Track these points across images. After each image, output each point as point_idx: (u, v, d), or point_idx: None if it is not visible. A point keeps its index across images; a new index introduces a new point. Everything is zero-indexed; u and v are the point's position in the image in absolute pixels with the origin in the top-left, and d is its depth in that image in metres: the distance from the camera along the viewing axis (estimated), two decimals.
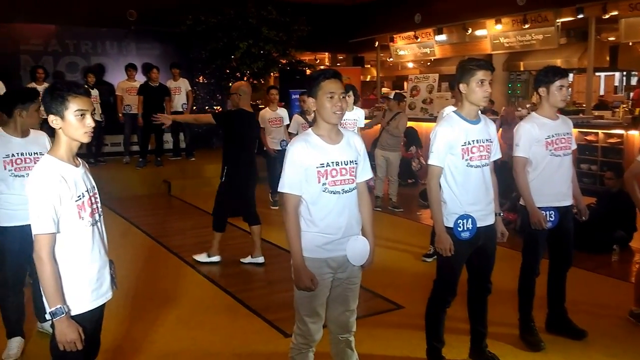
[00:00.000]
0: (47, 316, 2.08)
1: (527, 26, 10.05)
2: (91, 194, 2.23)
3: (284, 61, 11.98)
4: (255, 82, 11.66)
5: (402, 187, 8.07)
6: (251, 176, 5.16)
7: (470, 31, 11.36)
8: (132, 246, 5.80)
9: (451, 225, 2.96)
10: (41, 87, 8.50)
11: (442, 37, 12.18)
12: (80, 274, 2.18)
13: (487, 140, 3.01)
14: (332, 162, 2.49)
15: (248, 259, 5.28)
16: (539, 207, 3.37)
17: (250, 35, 10.85)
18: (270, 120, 7.52)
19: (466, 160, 2.95)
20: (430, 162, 3.00)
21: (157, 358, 3.45)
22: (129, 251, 5.56)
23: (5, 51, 9.54)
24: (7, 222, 3.25)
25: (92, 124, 2.16)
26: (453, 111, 3.13)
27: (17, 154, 3.27)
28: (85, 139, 2.17)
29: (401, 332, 3.74)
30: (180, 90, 9.60)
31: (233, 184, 5.04)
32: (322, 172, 2.47)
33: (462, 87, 2.93)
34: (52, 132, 2.29)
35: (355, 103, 6.41)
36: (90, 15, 10.51)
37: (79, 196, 2.15)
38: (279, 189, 2.54)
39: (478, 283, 3.19)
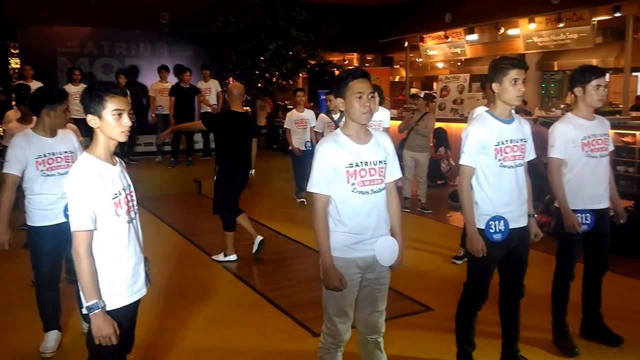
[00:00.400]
0: (84, 310, 2.13)
1: (561, 25, 9.85)
2: (127, 192, 2.27)
3: (313, 62, 12.01)
4: (284, 82, 11.74)
5: (431, 188, 8.01)
6: (241, 175, 5.29)
7: (502, 30, 11.19)
8: (165, 244, 5.89)
9: (483, 226, 2.91)
10: (77, 88, 8.78)
11: (474, 37, 12.02)
12: (116, 270, 2.22)
13: (521, 140, 2.96)
14: (361, 162, 2.48)
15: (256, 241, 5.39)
16: (574, 210, 3.30)
17: (279, 37, 10.91)
18: (297, 122, 7.76)
19: (499, 160, 2.90)
20: (461, 162, 2.96)
21: (189, 354, 3.50)
22: (162, 249, 5.64)
23: (43, 53, 9.80)
24: (40, 221, 3.33)
25: (129, 124, 2.20)
26: (485, 110, 3.09)
27: (48, 154, 3.33)
28: (122, 138, 2.21)
29: (430, 334, 3.71)
30: (211, 91, 9.76)
31: (225, 182, 5.18)
32: (351, 172, 2.47)
33: (494, 86, 2.88)
34: (89, 132, 2.33)
35: (380, 104, 6.38)
36: (124, 18, 10.78)
37: (116, 194, 2.18)
38: (308, 189, 2.54)
39: (510, 286, 3.13)
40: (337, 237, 2.52)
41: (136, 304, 2.36)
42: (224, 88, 10.55)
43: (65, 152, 3.37)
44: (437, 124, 8.27)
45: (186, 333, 3.76)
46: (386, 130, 6.27)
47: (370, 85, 2.50)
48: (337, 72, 12.86)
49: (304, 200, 7.66)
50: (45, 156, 3.32)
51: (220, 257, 5.38)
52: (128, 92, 2.26)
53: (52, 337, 3.46)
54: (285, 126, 7.98)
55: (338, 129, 2.59)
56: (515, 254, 3.03)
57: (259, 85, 11.68)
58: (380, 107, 6.10)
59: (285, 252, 5.82)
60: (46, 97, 3.40)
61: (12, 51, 10.38)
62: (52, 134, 3.38)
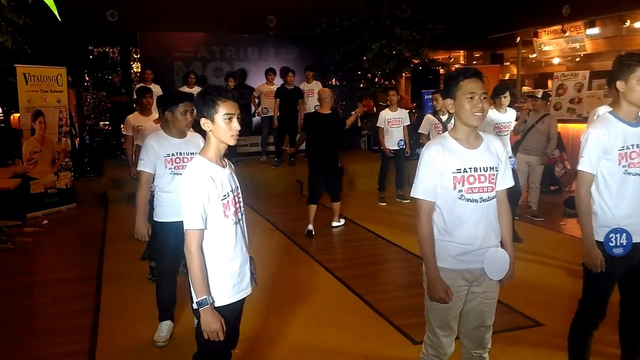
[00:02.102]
0: (194, 305, 2.23)
1: None
2: (235, 194, 2.35)
3: (416, 61, 11.75)
4: (386, 82, 11.62)
5: (544, 194, 7.52)
6: (328, 164, 6.23)
7: (628, 23, 10.27)
8: (268, 242, 6.07)
9: (602, 239, 2.66)
10: (191, 90, 9.30)
11: (595, 31, 11.13)
12: (223, 268, 2.30)
13: None
14: (470, 168, 2.35)
15: (334, 224, 6.53)
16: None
17: (382, 36, 10.80)
18: (389, 121, 7.84)
19: (623, 166, 2.63)
20: (580, 168, 2.70)
21: (289, 351, 3.57)
22: (266, 247, 5.83)
23: (161, 58, 10.48)
24: (165, 217, 3.55)
25: (238, 128, 2.27)
26: (609, 112, 2.79)
27: (176, 153, 3.53)
28: (232, 142, 2.29)
29: (540, 351, 3.50)
30: (314, 92, 9.86)
31: (312, 170, 6.33)
32: (459, 178, 2.34)
33: (619, 84, 2.61)
34: (200, 133, 2.45)
35: (510, 104, 5.94)
36: (234, 23, 11.25)
37: (225, 195, 2.27)
38: (412, 194, 2.44)
39: (632, 305, 2.85)
40: (443, 246, 2.40)
41: (242, 302, 2.44)
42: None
43: (191, 153, 3.51)
44: None
45: (288, 330, 3.85)
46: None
47: (482, 86, 2.34)
48: (442, 71, 12.56)
49: (385, 201, 7.96)
50: (173, 155, 3.52)
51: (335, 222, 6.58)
52: (237, 98, 2.33)
53: (165, 327, 3.69)
54: (377, 125, 8.04)
55: (446, 132, 2.46)
56: (639, 270, 2.74)
57: (361, 85, 11.64)
58: (508, 108, 5.77)
59: (384, 255, 5.77)
60: (165, 99, 3.68)
61: (134, 56, 11.26)
62: (181, 135, 3.57)
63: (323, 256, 5.53)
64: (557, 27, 11.62)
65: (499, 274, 2.41)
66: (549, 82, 14.51)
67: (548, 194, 8.30)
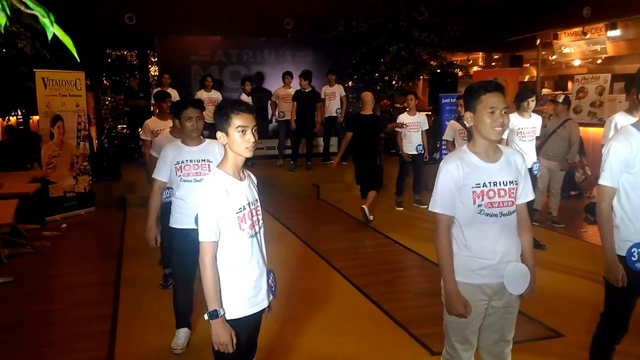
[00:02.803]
0: (205, 316, 2.22)
1: None
2: (252, 207, 2.33)
3: (434, 63, 11.65)
4: (403, 85, 11.54)
5: (564, 199, 7.38)
6: (369, 160, 6.94)
7: None
8: (285, 248, 6.03)
9: (624, 253, 2.61)
10: (209, 94, 9.39)
11: (616, 33, 10.92)
12: (237, 281, 2.28)
13: None
14: (490, 182, 2.32)
15: (364, 206, 6.94)
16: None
17: (400, 39, 10.73)
18: (407, 125, 7.80)
19: None
20: (601, 182, 2.66)
21: None
22: (282, 252, 5.79)
23: (178, 61, 10.53)
24: (177, 224, 3.57)
25: (253, 140, 2.25)
26: (631, 124, 2.73)
27: (186, 160, 3.52)
28: (247, 154, 2.27)
29: None
30: (335, 95, 9.88)
31: (357, 166, 7.07)
32: (478, 192, 2.31)
33: None
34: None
35: (534, 110, 5.81)
36: (251, 26, 11.27)
37: (240, 208, 2.25)
38: (430, 208, 2.41)
39: None
40: (462, 260, 2.38)
41: (259, 314, 2.41)
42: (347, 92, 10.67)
43: (203, 160, 3.51)
44: None
45: (304, 339, 3.82)
46: (537, 139, 5.81)
47: (504, 100, 2.31)
48: (460, 73, 12.46)
49: (402, 205, 8.02)
50: (183, 162, 3.52)
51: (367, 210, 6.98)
52: (254, 110, 2.32)
53: (182, 334, 3.69)
54: (396, 129, 7.99)
55: (465, 146, 2.43)
56: None
57: (378, 88, 11.57)
58: (532, 113, 5.66)
59: (402, 262, 5.70)
60: (172, 107, 3.80)
61: (152, 59, 11.35)
62: (194, 142, 3.56)
63: (340, 262, 5.49)
64: (578, 29, 11.42)
65: (519, 288, 2.38)
66: (569, 84, 14.24)
67: (568, 199, 8.17)
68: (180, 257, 3.58)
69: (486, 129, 2.30)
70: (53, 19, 1.32)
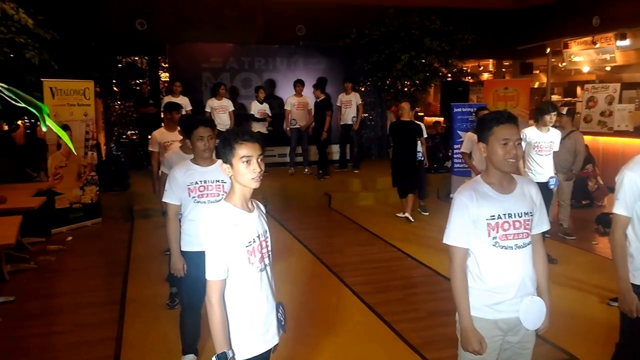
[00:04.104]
0: (214, 359, 2.09)
1: None
2: (262, 239, 2.21)
3: (445, 71, 11.56)
4: (414, 92, 11.41)
5: (575, 209, 7.29)
6: (408, 162, 7.57)
7: None
8: (295, 262, 5.90)
9: (639, 282, 2.60)
10: (220, 102, 9.32)
11: (625, 42, 10.87)
12: (247, 319, 2.17)
13: None
14: (504, 214, 2.26)
15: (400, 214, 7.68)
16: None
17: (412, 47, 10.66)
18: None
19: None
20: (615, 210, 2.64)
21: None
22: (292, 267, 5.66)
23: (190, 69, 10.45)
24: (186, 247, 3.41)
25: (258, 170, 2.13)
26: None
27: (200, 181, 3.35)
28: (254, 185, 2.14)
29: None
30: (352, 103, 9.84)
31: (395, 169, 7.74)
32: (493, 224, 2.25)
33: None
34: None
35: (555, 125, 5.71)
36: (263, 33, 11.18)
37: (250, 242, 2.14)
38: (444, 241, 2.33)
39: None
40: (477, 294, 2.30)
41: (267, 352, 2.28)
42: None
43: (217, 180, 3.35)
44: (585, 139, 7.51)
45: None
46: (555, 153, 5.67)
47: (517, 131, 2.26)
48: (471, 81, 12.34)
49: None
50: (197, 183, 3.36)
51: (400, 214, 7.72)
52: (260, 138, 2.18)
53: None
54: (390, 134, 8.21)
55: (478, 176, 2.37)
56: None
57: (389, 97, 11.48)
58: (550, 127, 5.54)
59: (414, 277, 5.52)
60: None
61: (163, 65, 11.26)
62: (205, 162, 3.39)
63: (351, 278, 5.35)
64: (588, 38, 11.38)
65: (535, 323, 2.32)
66: (578, 90, 14.14)
67: (579, 208, 8.13)
68: (189, 281, 3.42)
69: (499, 161, 2.25)
70: (47, 111, 1.31)
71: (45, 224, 6.88)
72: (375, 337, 4.13)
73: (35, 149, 8.33)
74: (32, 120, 9.45)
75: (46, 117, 1.30)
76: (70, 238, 6.98)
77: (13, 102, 1.27)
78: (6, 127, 9.07)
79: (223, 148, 2.15)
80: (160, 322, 4.34)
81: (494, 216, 2.25)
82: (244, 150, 2.11)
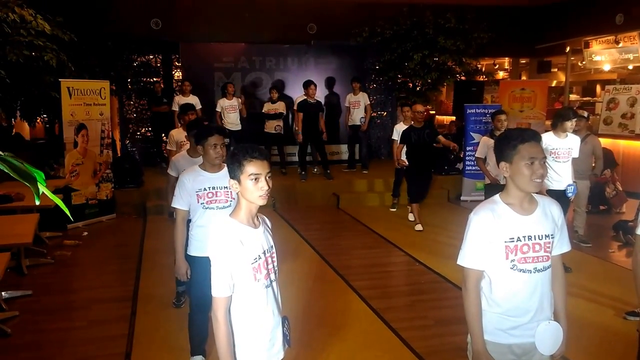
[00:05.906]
0: None
1: None
2: (268, 255, 2.22)
3: (459, 69, 11.45)
4: (426, 91, 11.36)
5: (591, 214, 7.10)
6: (421, 168, 7.26)
7: None
8: (302, 264, 5.91)
9: None
10: (231, 102, 9.40)
11: None
12: (252, 335, 2.18)
13: None
14: (524, 237, 2.16)
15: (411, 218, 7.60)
16: None
17: (425, 46, 10.57)
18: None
19: None
20: (639, 232, 2.52)
21: None
22: (299, 269, 5.70)
23: (202, 69, 10.56)
24: (194, 252, 3.51)
25: (266, 187, 2.14)
26: None
27: (208, 187, 3.43)
28: (261, 202, 2.16)
29: None
30: (360, 104, 9.81)
31: (409, 173, 7.41)
32: (512, 247, 2.15)
33: None
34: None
35: (576, 130, 5.61)
36: (275, 33, 11.22)
37: (255, 259, 2.15)
38: (459, 262, 2.26)
39: None
40: (491, 318, 2.23)
41: None
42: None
43: (225, 187, 3.40)
44: (602, 141, 7.38)
45: None
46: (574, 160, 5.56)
47: (542, 149, 2.15)
48: (485, 80, 12.20)
49: (396, 207, 8.47)
50: (205, 190, 3.43)
51: (411, 216, 7.67)
52: (269, 155, 2.23)
53: None
54: (393, 137, 8.02)
55: (497, 196, 2.25)
56: None
57: (402, 95, 11.42)
58: (569, 133, 5.40)
59: (422, 284, 5.50)
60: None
61: (176, 63, 11.39)
62: (214, 169, 3.46)
63: (358, 282, 5.37)
64: (610, 37, 11.04)
65: (551, 348, 2.24)
66: (598, 89, 13.82)
67: (596, 214, 7.96)
68: (198, 284, 3.49)
69: (525, 181, 2.14)
70: (43, 176, 1.39)
71: (62, 219, 7.06)
72: (381, 344, 4.13)
73: (52, 147, 8.54)
74: (51, 117, 9.64)
75: (40, 186, 1.34)
76: (85, 233, 7.20)
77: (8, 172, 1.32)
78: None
79: (231, 164, 2.15)
80: (170, 320, 4.46)
81: (512, 238, 2.15)
82: (252, 168, 2.11)
